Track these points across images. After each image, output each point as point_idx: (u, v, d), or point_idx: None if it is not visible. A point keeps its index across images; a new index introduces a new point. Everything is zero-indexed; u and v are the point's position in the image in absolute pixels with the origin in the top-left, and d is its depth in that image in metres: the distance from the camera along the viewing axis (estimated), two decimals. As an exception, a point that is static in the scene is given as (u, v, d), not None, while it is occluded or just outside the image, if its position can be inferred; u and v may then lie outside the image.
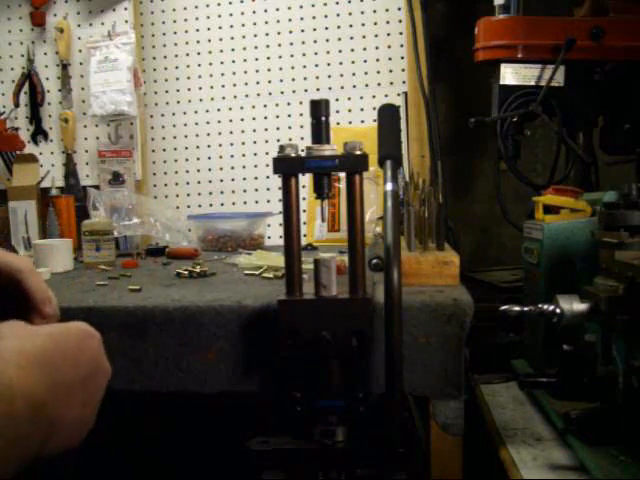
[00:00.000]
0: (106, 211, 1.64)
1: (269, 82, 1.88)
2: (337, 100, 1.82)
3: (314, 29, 1.84)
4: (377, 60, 1.82)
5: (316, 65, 1.85)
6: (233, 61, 1.90)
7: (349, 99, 1.83)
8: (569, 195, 1.02)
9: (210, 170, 1.92)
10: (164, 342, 0.90)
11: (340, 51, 1.83)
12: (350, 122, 1.83)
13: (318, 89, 1.85)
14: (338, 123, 1.80)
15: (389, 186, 0.77)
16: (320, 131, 0.80)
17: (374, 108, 1.79)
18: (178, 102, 1.93)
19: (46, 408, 0.48)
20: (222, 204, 1.92)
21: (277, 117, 1.88)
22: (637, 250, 0.78)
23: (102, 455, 1.29)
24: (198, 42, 1.91)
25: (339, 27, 1.83)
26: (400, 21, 1.78)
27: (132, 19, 1.86)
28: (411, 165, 1.68)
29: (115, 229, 1.57)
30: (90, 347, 0.56)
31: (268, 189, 1.89)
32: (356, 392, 0.79)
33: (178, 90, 1.93)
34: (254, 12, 1.87)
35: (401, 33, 1.79)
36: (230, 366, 0.89)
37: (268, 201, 1.89)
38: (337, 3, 1.83)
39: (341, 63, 1.84)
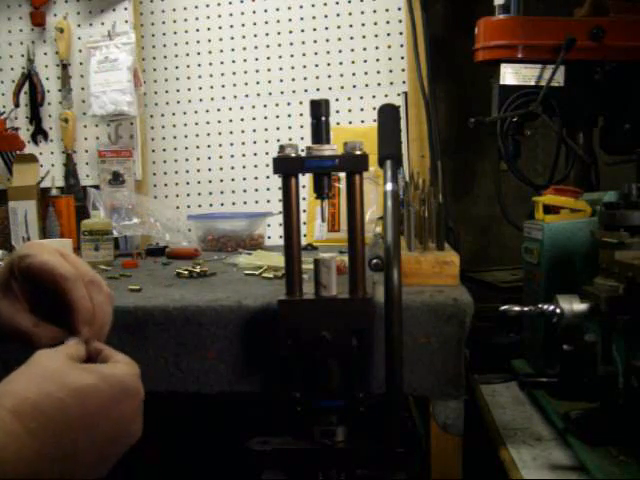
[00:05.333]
0: (106, 211, 1.64)
1: (269, 82, 1.88)
2: (337, 100, 1.82)
3: (314, 29, 1.84)
4: (377, 60, 1.82)
5: (316, 65, 1.85)
6: (233, 61, 1.90)
7: (349, 99, 1.83)
8: (569, 195, 1.02)
9: (210, 170, 1.92)
10: (164, 342, 0.90)
11: (340, 51, 1.83)
12: (350, 122, 1.83)
13: (318, 89, 1.85)
14: (338, 123, 1.80)
15: (389, 186, 0.77)
16: (320, 131, 0.80)
17: (374, 108, 1.79)
18: (178, 102, 1.93)
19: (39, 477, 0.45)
20: (222, 204, 1.92)
21: (277, 117, 1.88)
22: (637, 250, 0.78)
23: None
24: (198, 42, 1.91)
25: (339, 27, 1.83)
26: (400, 21, 1.78)
27: (132, 19, 1.86)
28: (411, 165, 1.68)
29: (115, 229, 1.57)
30: (121, 410, 0.51)
31: (268, 189, 1.89)
32: (356, 392, 0.79)
33: (178, 90, 1.93)
34: (254, 12, 1.87)
35: (401, 33, 1.79)
36: (230, 366, 0.89)
37: (268, 201, 1.89)
38: (337, 3, 1.83)
39: (341, 63, 1.84)
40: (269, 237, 1.77)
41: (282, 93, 1.88)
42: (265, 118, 1.89)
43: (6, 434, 0.45)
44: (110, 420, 0.50)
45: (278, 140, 1.84)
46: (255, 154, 1.90)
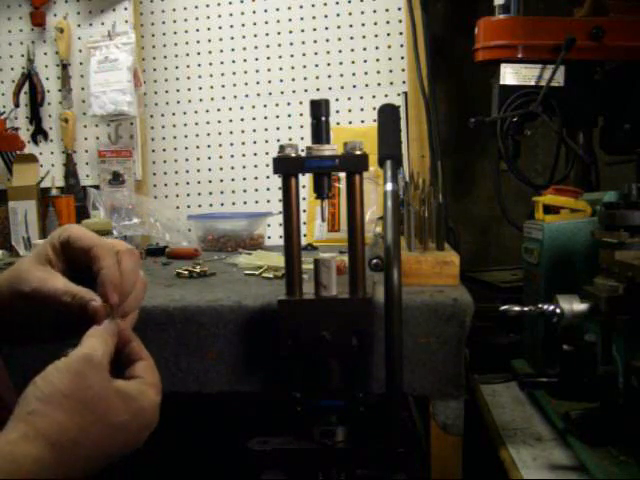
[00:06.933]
0: (106, 211, 1.64)
1: (269, 82, 1.88)
2: (337, 100, 1.82)
3: (314, 29, 1.84)
4: (377, 60, 1.82)
5: (316, 65, 1.85)
6: (233, 61, 1.90)
7: (349, 99, 1.83)
8: (569, 195, 1.02)
9: (210, 170, 1.92)
10: (164, 342, 0.90)
11: (340, 51, 1.83)
12: (350, 122, 1.83)
13: (318, 89, 1.85)
14: (338, 123, 1.80)
15: (389, 186, 0.77)
16: (320, 131, 0.80)
17: (374, 108, 1.79)
18: (178, 102, 1.93)
19: None
20: (222, 204, 1.92)
21: (277, 117, 1.88)
22: (637, 250, 0.78)
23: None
24: (198, 42, 1.91)
25: (339, 27, 1.83)
26: (400, 21, 1.78)
27: (132, 19, 1.86)
28: (411, 165, 1.68)
29: (115, 229, 1.57)
30: (138, 439, 0.55)
31: (268, 189, 1.89)
32: (356, 392, 0.79)
33: (178, 90, 1.93)
34: (254, 12, 1.87)
35: (401, 33, 1.79)
36: (230, 366, 0.89)
37: (268, 201, 1.89)
38: (337, 3, 1.82)
39: (341, 63, 1.84)
40: (269, 237, 1.77)
41: (282, 93, 1.88)
42: (265, 118, 1.89)
43: (40, 467, 0.47)
44: (127, 448, 0.54)
45: (278, 140, 1.84)
46: (255, 154, 1.89)
